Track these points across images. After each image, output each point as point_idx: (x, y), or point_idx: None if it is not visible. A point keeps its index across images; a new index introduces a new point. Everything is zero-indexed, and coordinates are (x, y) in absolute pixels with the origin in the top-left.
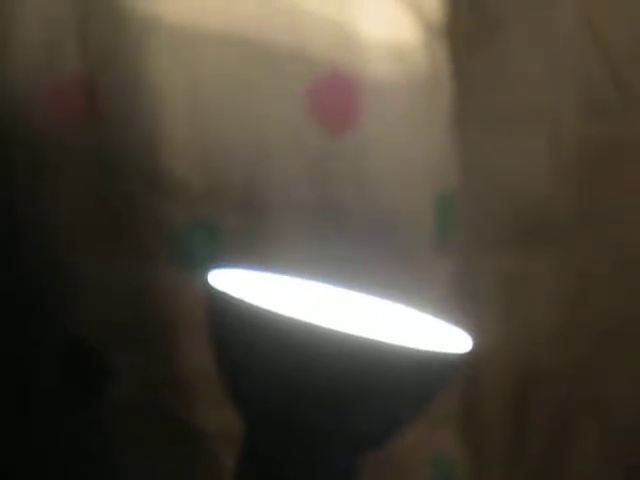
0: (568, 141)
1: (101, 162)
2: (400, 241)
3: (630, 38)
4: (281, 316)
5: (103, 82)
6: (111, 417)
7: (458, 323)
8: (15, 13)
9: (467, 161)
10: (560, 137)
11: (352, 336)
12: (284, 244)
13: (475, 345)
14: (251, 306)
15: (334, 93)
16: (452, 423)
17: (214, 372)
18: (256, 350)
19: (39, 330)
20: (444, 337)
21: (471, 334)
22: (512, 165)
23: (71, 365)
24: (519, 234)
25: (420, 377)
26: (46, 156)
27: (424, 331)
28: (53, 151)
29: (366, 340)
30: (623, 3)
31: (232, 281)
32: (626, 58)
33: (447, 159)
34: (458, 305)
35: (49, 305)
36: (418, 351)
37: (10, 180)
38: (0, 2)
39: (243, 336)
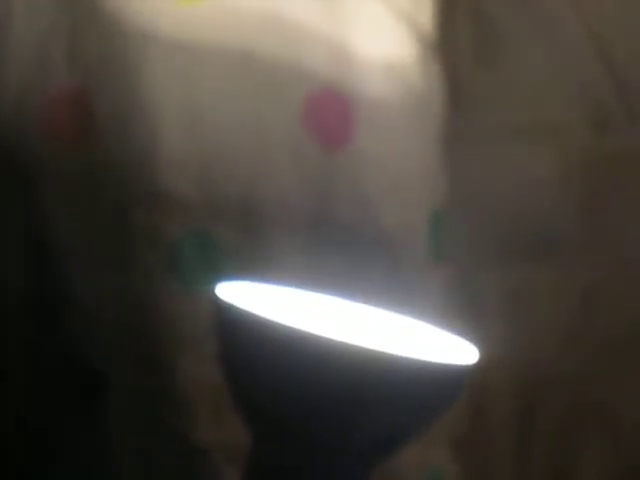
0: (572, 155)
1: (97, 176)
2: (395, 255)
3: (635, 50)
4: (290, 328)
5: (98, 97)
6: (110, 431)
7: (464, 335)
8: (3, 31)
9: (470, 176)
10: (564, 151)
11: (361, 348)
12: (281, 257)
13: (481, 357)
14: (259, 318)
15: (329, 109)
16: (448, 440)
17: (212, 384)
18: (264, 362)
19: (36, 346)
20: (451, 349)
21: (477, 346)
22: (515, 179)
23: (68, 381)
24: (522, 248)
25: (428, 388)
26: (41, 173)
27: (432, 343)
28: (47, 167)
29: (375, 352)
30: (629, 19)
31: (235, 294)
32: (631, 71)
33: (439, 175)
34: (463, 317)
35: (46, 321)
36: (427, 363)
37: (5, 198)
38: None
39: (251, 348)
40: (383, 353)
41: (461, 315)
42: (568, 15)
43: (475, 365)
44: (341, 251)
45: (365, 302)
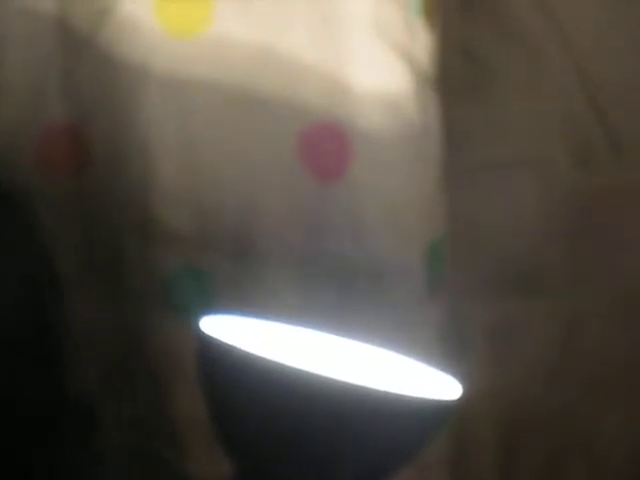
0: (557, 189)
1: (91, 210)
2: (390, 288)
3: (619, 86)
4: (272, 362)
5: (92, 131)
6: (103, 463)
7: (448, 370)
8: None
9: (455, 210)
10: (549, 185)
11: (343, 383)
12: (275, 290)
13: (465, 392)
14: (241, 352)
15: (325, 141)
16: (442, 470)
17: (205, 418)
18: (246, 395)
19: (28, 377)
20: (435, 384)
21: (461, 381)
22: (501, 213)
23: (62, 413)
24: (507, 282)
25: (411, 423)
26: (35, 205)
27: (415, 378)
28: (41, 199)
29: (356, 387)
30: (613, 52)
31: (222, 327)
32: (615, 106)
33: (437, 207)
34: (447, 352)
35: (38, 356)
36: (410, 398)
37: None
38: None
39: (232, 381)
40: (364, 388)
41: (446, 349)
42: (555, 51)
43: (458, 401)
44: (336, 284)
45: (355, 336)
